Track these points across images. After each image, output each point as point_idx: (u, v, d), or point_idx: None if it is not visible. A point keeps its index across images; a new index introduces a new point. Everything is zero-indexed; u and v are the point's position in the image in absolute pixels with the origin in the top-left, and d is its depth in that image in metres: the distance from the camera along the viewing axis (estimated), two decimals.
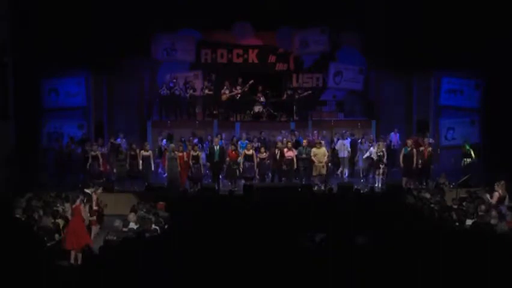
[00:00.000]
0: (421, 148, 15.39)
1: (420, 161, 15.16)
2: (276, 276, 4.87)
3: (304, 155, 15.35)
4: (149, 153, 15.38)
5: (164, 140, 16.48)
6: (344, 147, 15.98)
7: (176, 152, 15.12)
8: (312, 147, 15.52)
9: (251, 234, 5.85)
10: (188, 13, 17.46)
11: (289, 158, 15.33)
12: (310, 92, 18.58)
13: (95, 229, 11.90)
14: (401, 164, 15.21)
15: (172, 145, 15.54)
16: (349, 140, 16.34)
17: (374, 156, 15.43)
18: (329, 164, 15.59)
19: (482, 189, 13.52)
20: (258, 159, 15.41)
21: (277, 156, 15.37)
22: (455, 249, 6.24)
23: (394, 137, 16.84)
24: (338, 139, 16.48)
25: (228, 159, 15.32)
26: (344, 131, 16.76)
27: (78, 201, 11.08)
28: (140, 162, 15.13)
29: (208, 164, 15.64)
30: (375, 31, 17.38)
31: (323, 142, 15.61)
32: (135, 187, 15.30)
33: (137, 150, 15.30)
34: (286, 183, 15.31)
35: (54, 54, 15.55)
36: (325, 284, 4.85)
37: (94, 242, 10.84)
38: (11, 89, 15.07)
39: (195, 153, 15.20)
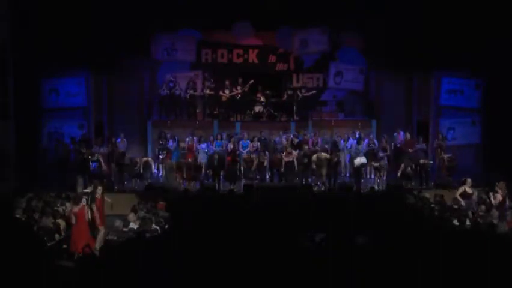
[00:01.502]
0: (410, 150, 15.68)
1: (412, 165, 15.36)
2: (276, 276, 4.87)
3: (306, 160, 15.42)
4: (150, 159, 15.64)
5: (171, 141, 16.51)
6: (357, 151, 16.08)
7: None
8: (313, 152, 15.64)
9: (251, 234, 5.85)
10: (188, 13, 17.45)
11: (290, 161, 15.42)
12: (314, 91, 18.61)
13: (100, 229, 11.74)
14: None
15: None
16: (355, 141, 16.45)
17: (357, 163, 15.50)
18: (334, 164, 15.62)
19: (482, 190, 13.53)
20: (257, 161, 15.54)
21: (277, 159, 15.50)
22: (455, 249, 6.24)
23: (398, 137, 16.82)
24: (349, 138, 16.71)
25: (227, 161, 15.47)
26: (356, 132, 16.93)
27: (80, 204, 11.04)
28: (141, 166, 15.40)
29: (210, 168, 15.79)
30: (375, 31, 17.38)
31: (323, 154, 15.61)
32: (135, 187, 15.38)
33: (138, 159, 15.51)
34: (286, 183, 15.35)
35: (54, 54, 15.57)
36: (325, 284, 4.85)
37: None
38: (11, 89, 15.07)
39: (197, 164, 15.40)
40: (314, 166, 15.32)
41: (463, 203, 12.55)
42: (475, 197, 12.89)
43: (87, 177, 14.76)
